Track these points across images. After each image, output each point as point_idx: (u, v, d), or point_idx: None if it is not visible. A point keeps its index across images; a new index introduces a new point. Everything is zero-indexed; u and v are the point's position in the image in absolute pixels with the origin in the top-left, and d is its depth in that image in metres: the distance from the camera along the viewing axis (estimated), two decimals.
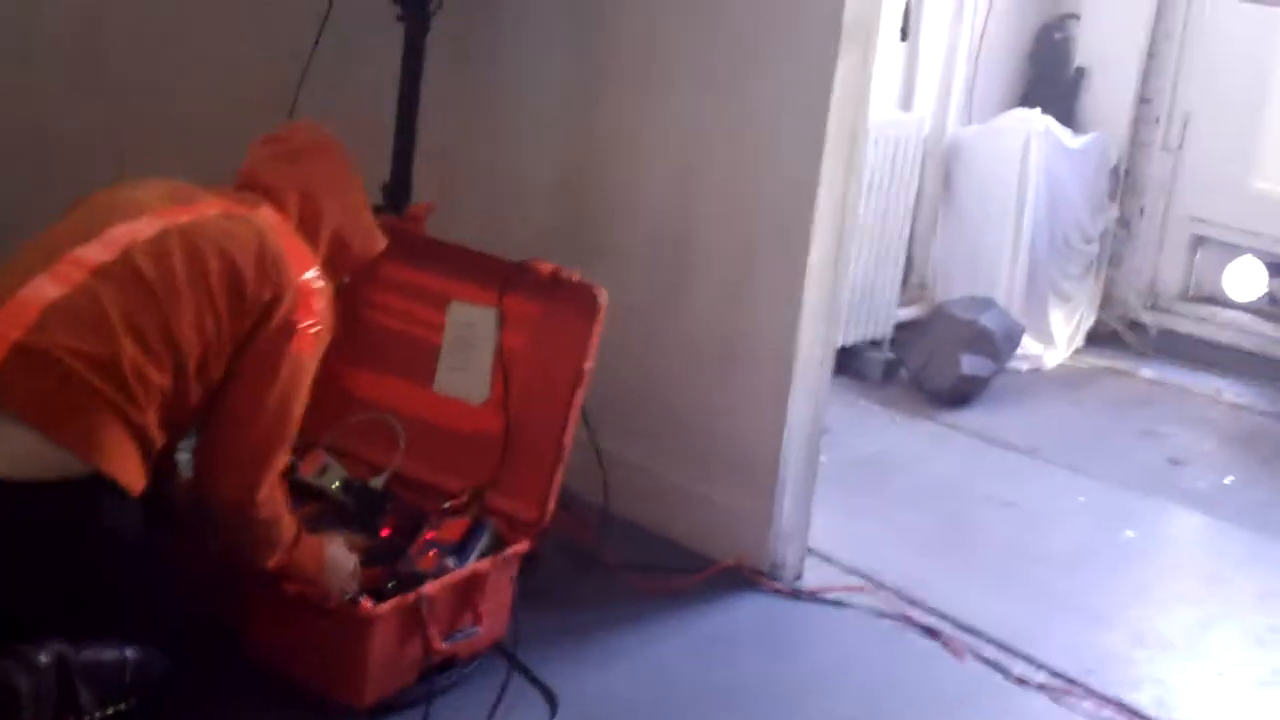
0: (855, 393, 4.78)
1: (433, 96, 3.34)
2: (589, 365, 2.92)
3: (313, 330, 2.43)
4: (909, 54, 4.92)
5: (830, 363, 3.40)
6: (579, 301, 2.94)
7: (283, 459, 2.45)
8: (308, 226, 2.54)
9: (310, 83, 3.25)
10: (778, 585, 3.37)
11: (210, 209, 2.43)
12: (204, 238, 2.37)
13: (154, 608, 2.38)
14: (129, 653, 2.29)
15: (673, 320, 3.47)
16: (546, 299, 3.01)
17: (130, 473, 2.25)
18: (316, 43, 3.27)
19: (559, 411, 2.91)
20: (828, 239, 3.24)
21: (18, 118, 3.15)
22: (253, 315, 2.36)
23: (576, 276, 2.97)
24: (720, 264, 3.39)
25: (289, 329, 2.38)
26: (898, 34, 4.21)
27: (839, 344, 4.62)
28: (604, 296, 2.93)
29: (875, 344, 4.90)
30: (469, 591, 2.75)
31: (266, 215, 2.47)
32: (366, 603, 2.56)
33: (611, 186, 3.57)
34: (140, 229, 2.36)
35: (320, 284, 2.47)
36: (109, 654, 2.27)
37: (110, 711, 2.25)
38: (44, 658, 2.13)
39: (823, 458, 4.12)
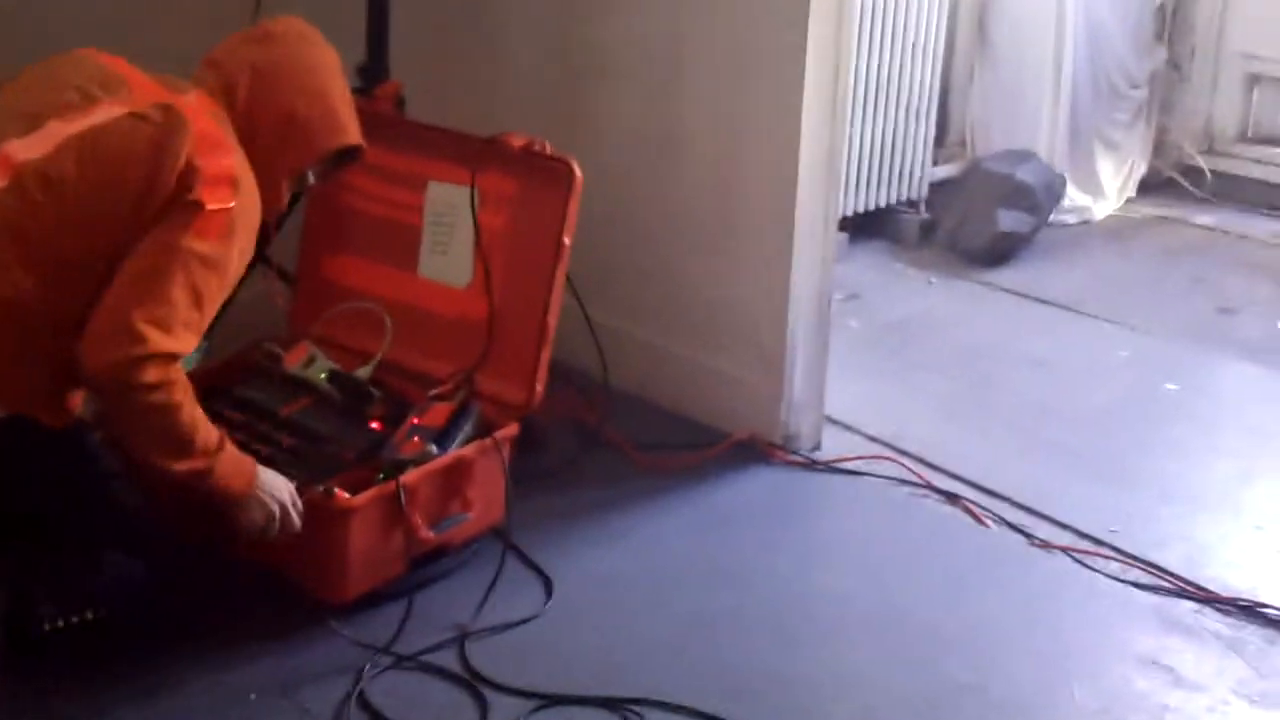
0: (889, 255, 4.66)
1: None
2: (568, 240, 2.83)
3: (219, 216, 2.26)
4: None
5: (834, 225, 3.28)
6: (554, 175, 2.84)
7: (170, 340, 2.21)
8: (254, 105, 2.43)
9: None
10: (792, 457, 3.28)
11: (118, 107, 2.31)
12: (96, 148, 2.26)
13: (123, 518, 2.35)
14: (102, 560, 2.26)
15: (666, 188, 3.37)
16: (521, 174, 2.91)
17: (39, 408, 2.23)
18: None
19: (541, 290, 2.83)
20: (821, 98, 3.10)
21: None
22: (145, 221, 2.24)
23: (549, 149, 2.87)
24: (710, 127, 3.27)
25: (187, 212, 2.24)
26: None
27: (871, 207, 4.59)
28: (578, 168, 2.82)
29: (909, 204, 4.74)
30: (455, 477, 2.69)
31: (186, 102, 2.35)
32: (342, 494, 2.51)
33: (597, 46, 3.44)
34: (34, 145, 2.26)
35: (240, 171, 2.33)
36: (74, 561, 2.23)
37: (75, 620, 2.22)
38: (46, 625, 2.12)
39: (852, 322, 4.08)
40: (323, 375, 2.87)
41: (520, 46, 3.59)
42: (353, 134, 2.54)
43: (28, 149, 2.25)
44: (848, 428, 3.45)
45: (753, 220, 3.23)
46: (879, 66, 4.46)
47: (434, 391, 2.86)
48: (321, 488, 2.51)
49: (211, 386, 2.71)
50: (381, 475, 2.61)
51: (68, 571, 2.23)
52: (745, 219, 3.25)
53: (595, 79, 3.47)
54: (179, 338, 2.22)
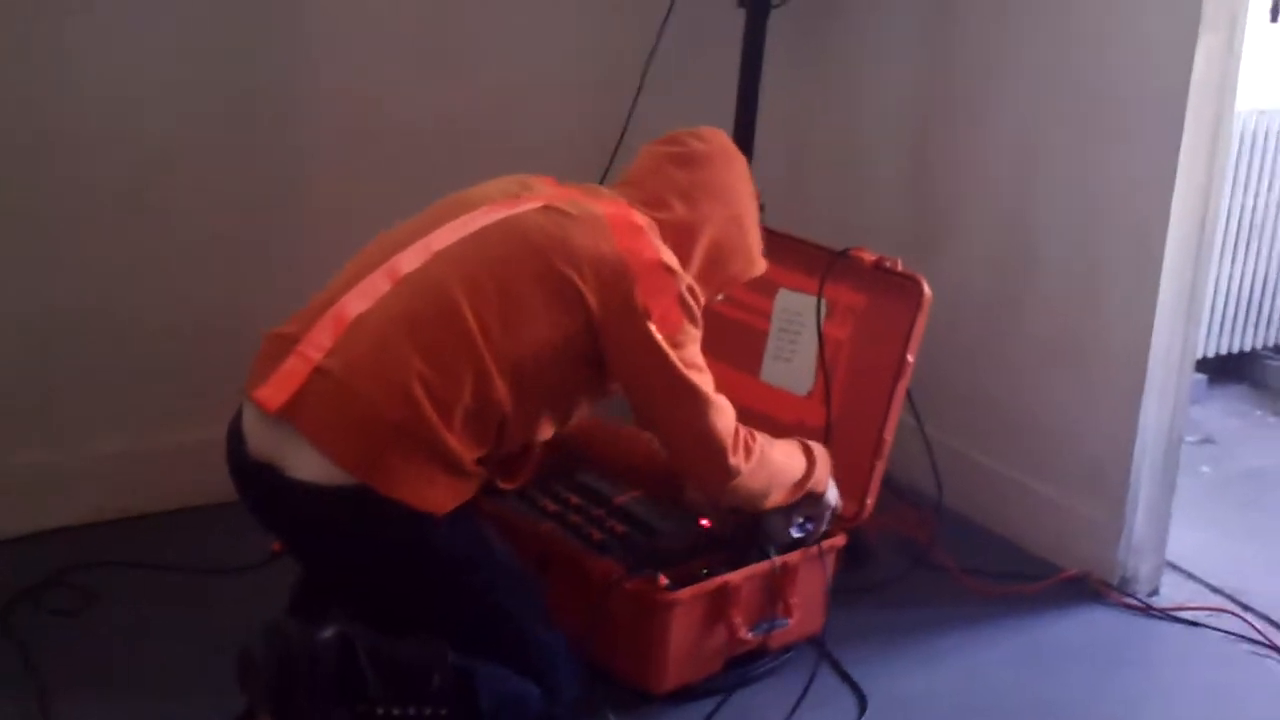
0: (1250, 402, 4.47)
1: (774, 83, 3.33)
2: (912, 357, 2.83)
3: (671, 312, 2.31)
4: None
5: (1190, 367, 3.17)
6: (903, 291, 2.86)
7: (715, 419, 2.37)
8: (683, 233, 2.43)
9: (650, 74, 3.29)
10: (1127, 599, 3.16)
11: (536, 201, 2.37)
12: (516, 236, 2.30)
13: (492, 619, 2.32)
14: (447, 659, 2.23)
15: (1016, 314, 3.34)
16: (870, 288, 2.94)
17: (428, 496, 2.19)
18: (658, 38, 3.30)
19: (880, 404, 2.84)
20: (1186, 237, 3.03)
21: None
22: (580, 313, 2.27)
23: (900, 266, 2.89)
24: (1067, 258, 3.22)
25: (638, 314, 2.27)
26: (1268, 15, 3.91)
27: (1234, 350, 4.41)
28: (927, 288, 2.83)
29: (1275, 350, 4.54)
30: (779, 582, 2.71)
31: (605, 206, 2.36)
32: (667, 585, 2.55)
33: (954, 175, 3.47)
34: (455, 231, 2.32)
35: (673, 273, 2.33)
36: (412, 652, 2.22)
37: (412, 711, 2.19)
38: (328, 633, 2.12)
39: (1204, 467, 3.93)
40: None
41: (881, 162, 3.64)
42: (762, 265, 2.58)
43: (449, 236, 2.32)
44: (1189, 575, 3.31)
45: (1104, 353, 3.16)
46: (1252, 204, 4.31)
47: None
48: (647, 577, 2.57)
49: (552, 469, 2.82)
50: (705, 571, 2.65)
51: (403, 659, 2.21)
52: (1096, 351, 3.18)
53: (952, 199, 3.48)
54: (724, 410, 2.39)
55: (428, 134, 3.26)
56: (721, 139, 2.56)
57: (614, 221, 2.34)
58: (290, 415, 2.18)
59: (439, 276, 2.27)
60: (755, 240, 2.55)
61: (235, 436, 2.29)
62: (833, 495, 2.69)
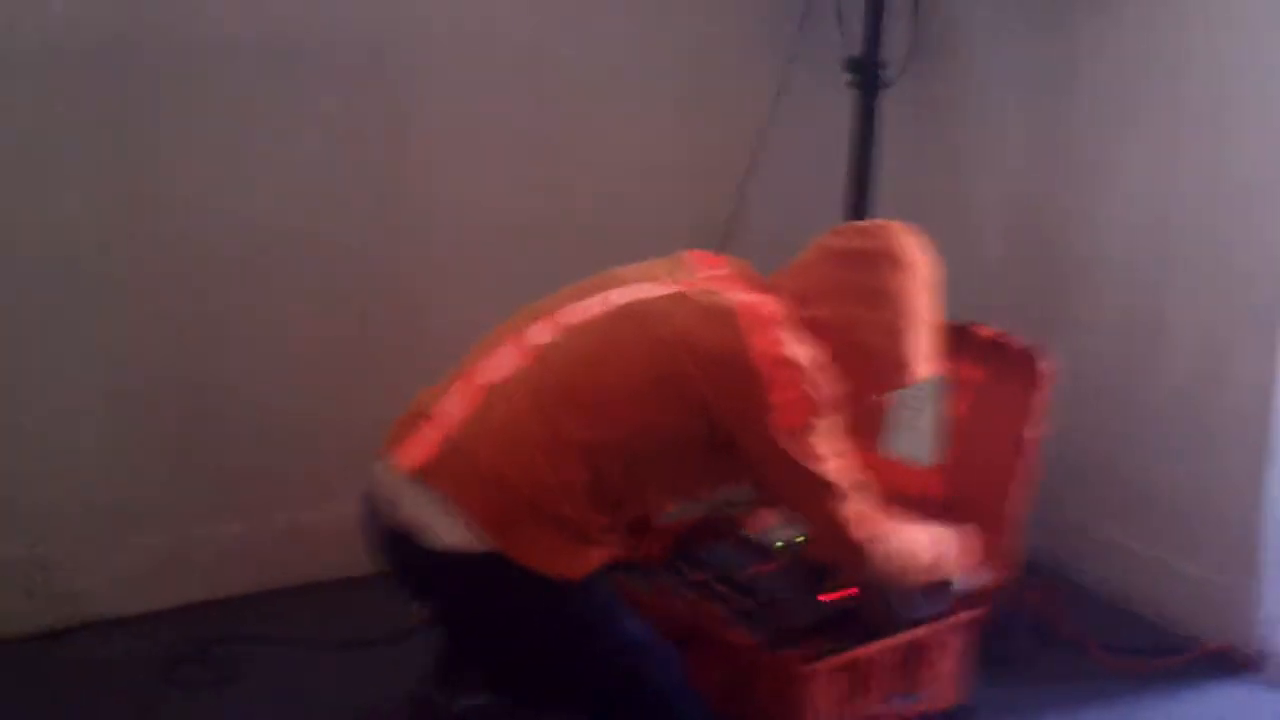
0: None
1: (886, 159, 3.36)
2: (1033, 433, 2.81)
3: (794, 406, 2.25)
4: None
5: None
6: (1022, 367, 2.85)
7: (840, 507, 2.33)
8: (823, 331, 2.34)
9: (761, 156, 3.33)
10: (1268, 674, 3.09)
11: (675, 286, 2.36)
12: (643, 322, 2.30)
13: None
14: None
15: (1141, 389, 3.31)
16: (989, 363, 2.92)
17: (559, 563, 2.19)
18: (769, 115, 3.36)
19: (1002, 479, 2.82)
20: None
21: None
22: (697, 403, 2.24)
23: (1019, 341, 2.88)
24: (1193, 333, 3.20)
25: (756, 408, 2.24)
26: None
27: None
28: (1048, 362, 2.81)
29: None
30: (912, 656, 2.68)
31: (743, 296, 2.33)
32: (799, 659, 2.54)
33: (1075, 248, 3.45)
34: (589, 309, 2.33)
35: (798, 367, 2.26)
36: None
37: None
38: (471, 703, 2.16)
39: None
40: (779, 544, 2.93)
41: (999, 233, 3.64)
42: (917, 373, 2.44)
43: (583, 312, 2.34)
44: None
45: (1230, 421, 3.12)
46: None
47: None
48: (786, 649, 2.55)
49: (677, 545, 2.82)
50: (829, 649, 2.62)
51: None
52: (1222, 419, 3.14)
53: (1073, 270, 3.47)
54: (854, 497, 2.35)
55: (537, 231, 3.33)
56: (891, 239, 2.41)
57: (744, 313, 2.29)
58: (426, 478, 2.21)
59: (565, 352, 2.29)
60: (912, 348, 2.41)
61: (371, 503, 2.31)
62: (964, 575, 2.67)
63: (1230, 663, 3.11)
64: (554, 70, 3.33)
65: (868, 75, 3.29)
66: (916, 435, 3.01)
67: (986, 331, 2.94)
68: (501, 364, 2.30)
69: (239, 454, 3.17)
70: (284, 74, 3.03)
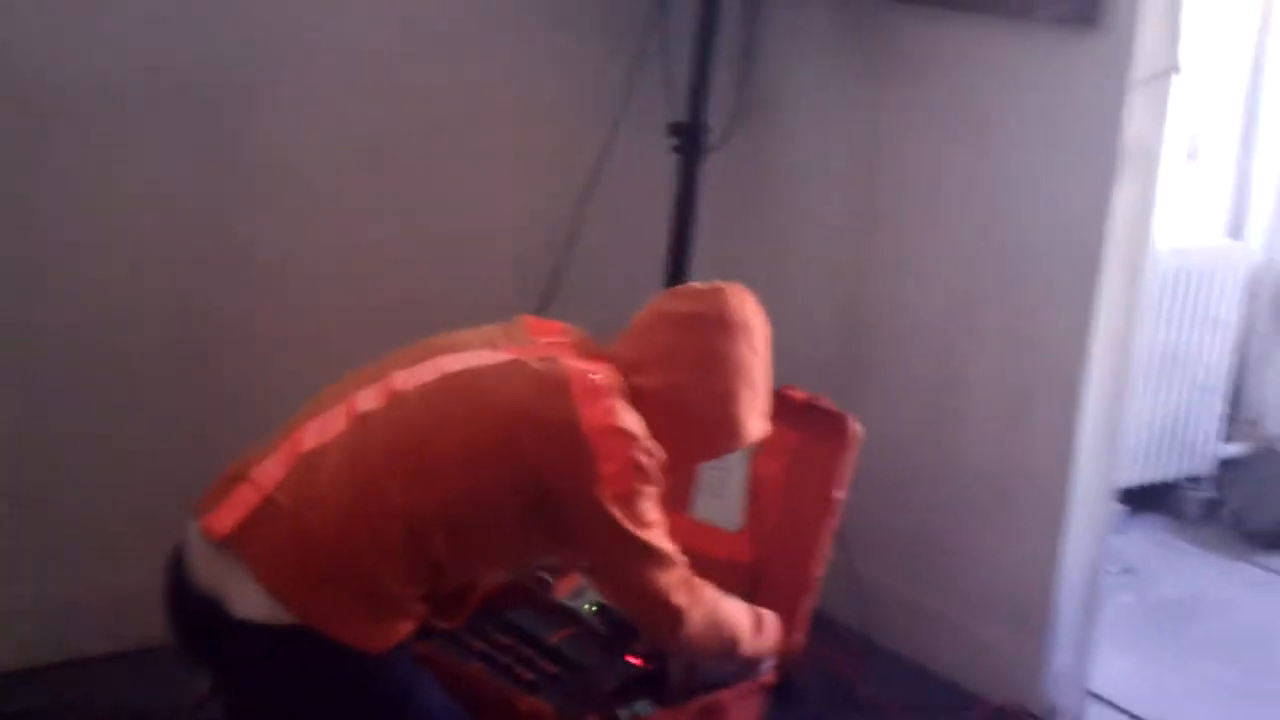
0: (1170, 531, 4.56)
1: (710, 222, 3.42)
2: (840, 495, 2.89)
3: (623, 475, 2.26)
4: (1239, 178, 4.72)
5: (1110, 501, 3.26)
6: (832, 430, 2.92)
7: (660, 576, 2.35)
8: (652, 399, 2.35)
9: (589, 213, 3.38)
10: None
11: (508, 354, 2.34)
12: (474, 390, 2.29)
13: None
14: None
15: (942, 452, 3.42)
16: (800, 427, 2.99)
17: (368, 635, 2.18)
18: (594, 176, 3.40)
19: (808, 541, 2.89)
20: (1106, 375, 3.14)
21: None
22: (525, 473, 2.24)
23: (830, 405, 2.96)
24: (992, 398, 3.32)
25: (586, 478, 2.23)
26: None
27: (1154, 480, 4.51)
28: (857, 426, 2.90)
29: (1194, 480, 4.65)
30: (710, 717, 2.74)
31: (575, 364, 2.32)
32: None
33: (887, 316, 3.56)
34: (418, 375, 2.31)
35: (629, 437, 2.26)
36: None
37: None
38: None
39: (1127, 598, 4.01)
40: (589, 607, 2.97)
41: (815, 303, 3.72)
42: (750, 436, 2.46)
43: (411, 379, 2.31)
44: (1114, 706, 3.38)
45: (1028, 487, 3.25)
46: (1174, 339, 4.45)
47: None
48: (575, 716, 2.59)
49: (484, 608, 2.84)
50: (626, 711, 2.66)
51: None
52: (1019, 486, 3.27)
53: (883, 341, 3.57)
54: (674, 567, 2.38)
55: (355, 290, 3.34)
56: (724, 302, 2.41)
57: (577, 381, 2.28)
58: (235, 545, 2.18)
59: (392, 420, 2.27)
60: (744, 413, 2.42)
61: (176, 566, 2.27)
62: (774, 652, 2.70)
63: None
64: (390, 142, 3.36)
65: (691, 140, 3.34)
66: (725, 500, 3.07)
67: (799, 394, 3.01)
68: (325, 429, 2.27)
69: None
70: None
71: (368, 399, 2.29)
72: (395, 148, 3.36)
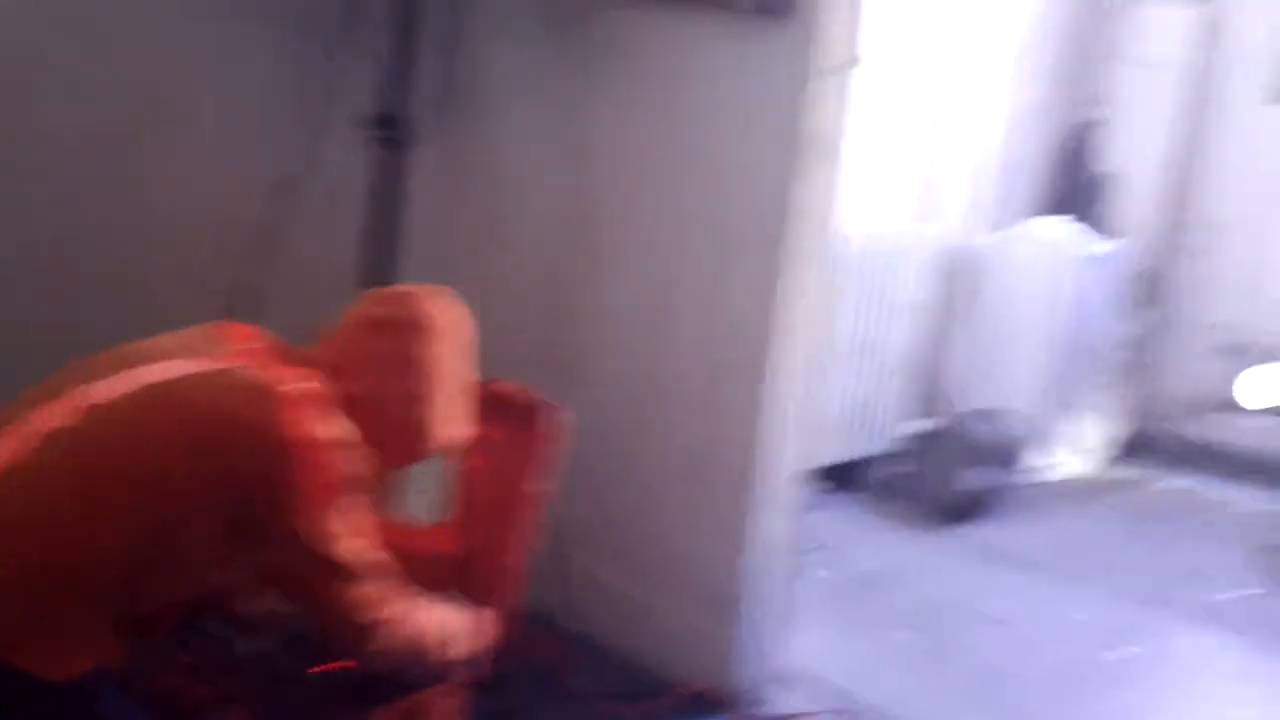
0: (861, 507, 4.77)
1: (418, 217, 3.42)
2: (546, 485, 2.93)
3: (317, 486, 2.23)
4: (930, 164, 4.95)
5: (801, 480, 3.39)
6: (538, 421, 2.95)
7: (350, 589, 2.33)
8: (349, 404, 2.33)
9: (291, 211, 3.33)
10: (748, 710, 3.34)
11: (209, 363, 2.28)
12: (172, 400, 2.22)
13: None
14: None
15: (647, 440, 3.49)
16: (505, 419, 3.02)
17: (63, 663, 2.11)
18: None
19: (514, 531, 2.93)
20: (792, 359, 3.25)
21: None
22: (221, 485, 2.20)
23: (536, 396, 2.99)
24: (690, 385, 3.41)
25: (281, 490, 2.21)
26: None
27: (845, 458, 4.71)
28: (562, 416, 2.94)
29: (882, 457, 4.88)
30: (412, 716, 2.75)
31: (276, 373, 2.28)
32: None
33: (591, 309, 3.61)
34: (115, 387, 2.22)
35: (326, 446, 2.24)
36: None
37: None
38: None
39: (822, 573, 4.17)
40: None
41: (526, 294, 3.73)
42: (441, 440, 2.48)
43: (108, 390, 2.22)
44: (810, 680, 3.51)
45: (720, 471, 3.34)
46: (866, 324, 4.65)
47: None
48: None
49: (184, 621, 2.78)
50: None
51: None
52: (713, 469, 3.36)
53: (592, 331, 3.62)
54: (367, 579, 2.33)
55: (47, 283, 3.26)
56: (415, 305, 2.43)
57: (273, 390, 2.25)
58: None
59: (84, 437, 2.19)
60: (438, 416, 2.45)
61: None
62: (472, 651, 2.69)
63: (708, 704, 3.33)
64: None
65: (394, 131, 3.31)
66: (425, 495, 3.08)
67: (504, 387, 3.03)
68: (11, 443, 2.17)
69: None
70: None
71: (59, 414, 2.20)
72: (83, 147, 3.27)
